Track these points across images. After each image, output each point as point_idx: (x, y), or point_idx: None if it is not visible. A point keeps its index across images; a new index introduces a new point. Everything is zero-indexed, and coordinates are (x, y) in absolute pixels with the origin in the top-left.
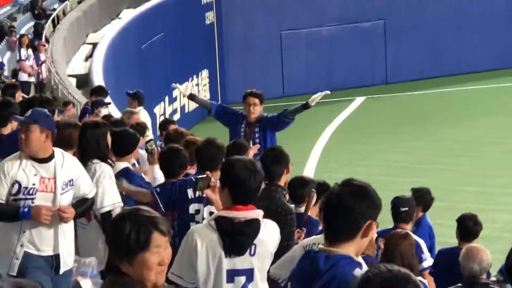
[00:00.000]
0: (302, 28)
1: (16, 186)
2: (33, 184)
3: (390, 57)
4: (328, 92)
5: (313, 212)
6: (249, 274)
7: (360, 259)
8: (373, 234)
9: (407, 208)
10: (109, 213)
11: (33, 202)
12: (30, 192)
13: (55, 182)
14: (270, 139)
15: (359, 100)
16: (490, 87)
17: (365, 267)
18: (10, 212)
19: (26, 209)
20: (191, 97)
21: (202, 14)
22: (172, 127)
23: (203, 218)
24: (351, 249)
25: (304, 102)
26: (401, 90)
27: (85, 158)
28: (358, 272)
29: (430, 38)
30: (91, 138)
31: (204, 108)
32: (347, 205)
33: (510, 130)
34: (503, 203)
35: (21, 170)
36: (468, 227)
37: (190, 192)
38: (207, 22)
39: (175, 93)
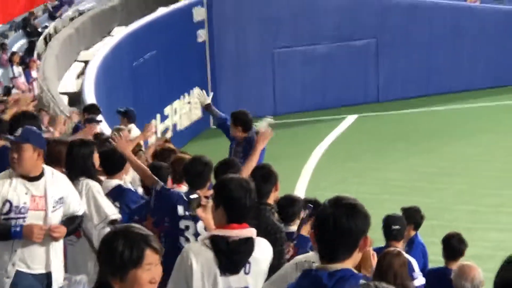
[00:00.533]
0: (295, 46)
1: (7, 205)
2: (24, 203)
3: (382, 75)
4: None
5: (303, 230)
6: None
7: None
8: (368, 247)
9: (398, 226)
10: (116, 220)
11: (24, 221)
12: (21, 211)
13: (45, 200)
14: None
15: (351, 119)
16: (484, 106)
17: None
18: (1, 232)
19: (18, 229)
20: (208, 106)
21: (194, 32)
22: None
23: (194, 234)
24: (349, 264)
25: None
26: (393, 108)
27: (72, 176)
28: (363, 283)
29: (422, 56)
30: (78, 157)
31: (213, 118)
32: (345, 226)
33: (504, 148)
34: (495, 221)
35: (11, 189)
36: (453, 246)
37: (180, 209)
38: (199, 40)
39: (167, 111)
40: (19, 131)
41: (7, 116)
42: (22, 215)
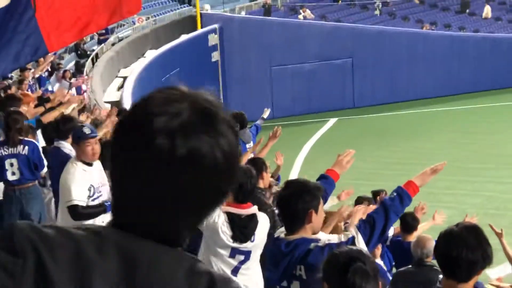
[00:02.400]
0: (288, 64)
1: (92, 189)
2: (98, 183)
3: (356, 86)
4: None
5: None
6: (248, 254)
7: (318, 236)
8: (320, 217)
9: (367, 202)
10: None
11: (102, 196)
12: (99, 190)
13: (102, 175)
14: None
15: (332, 121)
16: (435, 110)
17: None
18: (101, 210)
19: (107, 203)
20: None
21: (209, 54)
22: None
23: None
24: (304, 232)
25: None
26: (366, 113)
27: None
28: (313, 245)
29: (388, 71)
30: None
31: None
32: (293, 207)
33: (452, 143)
34: (445, 201)
35: (88, 174)
36: (408, 222)
37: None
38: (213, 60)
39: None
40: (88, 128)
41: (49, 117)
42: (100, 194)
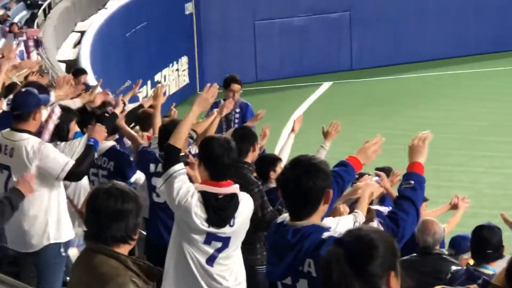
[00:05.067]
0: (275, 18)
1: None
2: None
3: (355, 45)
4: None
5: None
6: (226, 241)
7: (325, 223)
8: (329, 198)
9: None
10: None
11: None
12: None
13: None
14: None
15: (326, 85)
16: (447, 74)
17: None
18: (92, 153)
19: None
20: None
21: (182, 5)
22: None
23: None
24: (315, 218)
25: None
26: (365, 76)
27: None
28: (325, 235)
29: (392, 28)
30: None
31: None
32: (305, 186)
33: (465, 112)
34: (458, 180)
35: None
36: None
37: (152, 167)
38: (187, 12)
39: (157, 77)
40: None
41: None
42: None
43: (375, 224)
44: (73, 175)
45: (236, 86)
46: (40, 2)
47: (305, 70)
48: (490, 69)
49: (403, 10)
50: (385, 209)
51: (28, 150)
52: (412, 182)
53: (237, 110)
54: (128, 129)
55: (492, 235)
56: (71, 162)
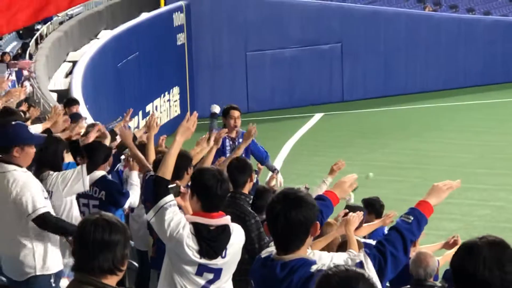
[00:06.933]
0: (266, 50)
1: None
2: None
3: (346, 77)
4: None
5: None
6: (218, 272)
7: (312, 256)
8: (316, 230)
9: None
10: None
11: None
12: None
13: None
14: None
15: (317, 116)
16: (437, 106)
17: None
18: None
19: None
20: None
21: (174, 35)
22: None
23: None
24: (302, 251)
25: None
26: (356, 107)
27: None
28: (314, 268)
29: (383, 59)
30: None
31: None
32: (295, 219)
33: (455, 145)
34: (448, 212)
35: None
36: (377, 209)
37: None
38: (179, 43)
39: (148, 108)
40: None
41: None
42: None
43: (361, 254)
44: (42, 223)
45: (236, 113)
46: (34, 31)
47: (296, 102)
48: (479, 102)
49: (394, 42)
50: (373, 242)
51: (10, 182)
52: (412, 218)
53: (240, 140)
54: (138, 153)
55: None
56: (45, 210)
